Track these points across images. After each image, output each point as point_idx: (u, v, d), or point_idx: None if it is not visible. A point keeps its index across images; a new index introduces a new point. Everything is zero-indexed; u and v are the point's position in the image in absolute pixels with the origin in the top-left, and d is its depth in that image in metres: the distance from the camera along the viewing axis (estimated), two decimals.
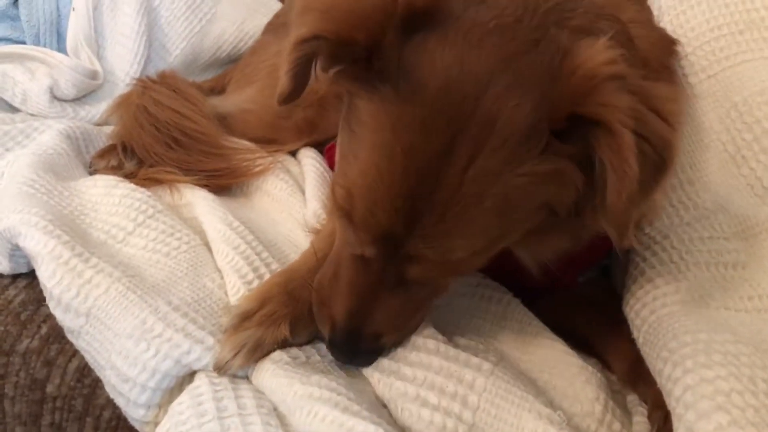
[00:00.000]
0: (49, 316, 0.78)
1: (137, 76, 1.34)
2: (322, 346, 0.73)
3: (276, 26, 1.35)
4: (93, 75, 1.36)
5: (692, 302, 0.71)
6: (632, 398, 0.74)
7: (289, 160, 1.16)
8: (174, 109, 1.11)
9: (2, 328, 0.80)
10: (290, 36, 0.58)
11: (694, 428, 0.55)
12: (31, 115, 1.27)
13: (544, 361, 0.74)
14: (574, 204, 0.59)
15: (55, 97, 1.29)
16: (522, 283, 0.81)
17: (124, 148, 1.07)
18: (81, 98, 1.35)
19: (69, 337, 0.76)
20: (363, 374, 0.71)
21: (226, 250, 0.82)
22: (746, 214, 0.78)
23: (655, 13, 0.93)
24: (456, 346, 0.71)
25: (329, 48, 0.57)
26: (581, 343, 0.80)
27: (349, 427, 0.59)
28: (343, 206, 0.61)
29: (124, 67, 1.40)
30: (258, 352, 0.69)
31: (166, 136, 1.07)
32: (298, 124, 1.18)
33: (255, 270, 0.80)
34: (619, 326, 0.77)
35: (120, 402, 0.71)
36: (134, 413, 0.70)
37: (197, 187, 1.00)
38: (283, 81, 0.60)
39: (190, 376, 0.70)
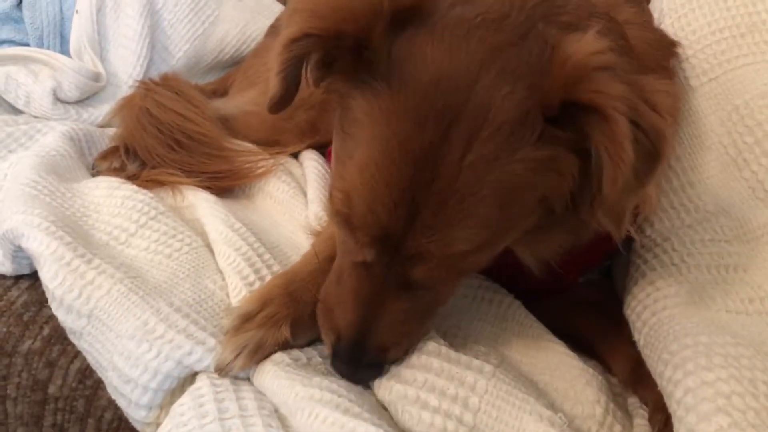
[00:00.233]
0: (52, 318, 0.78)
1: (140, 78, 1.35)
2: (324, 348, 0.73)
3: (278, 29, 1.35)
4: (96, 77, 1.36)
5: (693, 305, 0.71)
6: (633, 401, 0.74)
7: (291, 162, 1.16)
8: (176, 112, 1.11)
9: (5, 329, 0.80)
10: (280, 37, 0.58)
11: (695, 431, 0.55)
12: (35, 116, 1.27)
13: (545, 363, 0.74)
14: (571, 198, 0.60)
15: (58, 99, 1.30)
16: (523, 286, 0.81)
17: (127, 150, 1.07)
18: (84, 100, 1.36)
19: (71, 338, 0.76)
20: None
21: (228, 252, 0.82)
22: (747, 217, 0.79)
23: (656, 15, 0.94)
24: (457, 348, 0.71)
25: (319, 45, 0.58)
26: (582, 345, 0.80)
27: (350, 428, 0.59)
28: (341, 210, 0.61)
29: (126, 69, 1.40)
30: (259, 354, 0.69)
31: (168, 138, 1.07)
32: (300, 126, 1.19)
33: (256, 271, 0.80)
34: (620, 329, 0.78)
35: (121, 403, 0.71)
36: (136, 414, 0.70)
37: (199, 189, 1.00)
38: (273, 83, 0.60)
39: (192, 377, 0.70)
